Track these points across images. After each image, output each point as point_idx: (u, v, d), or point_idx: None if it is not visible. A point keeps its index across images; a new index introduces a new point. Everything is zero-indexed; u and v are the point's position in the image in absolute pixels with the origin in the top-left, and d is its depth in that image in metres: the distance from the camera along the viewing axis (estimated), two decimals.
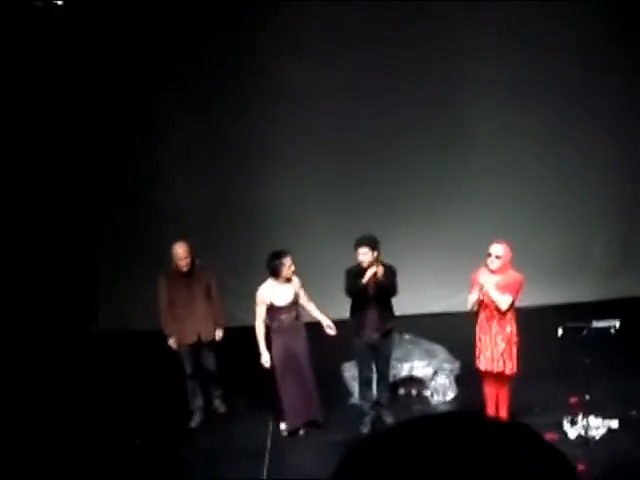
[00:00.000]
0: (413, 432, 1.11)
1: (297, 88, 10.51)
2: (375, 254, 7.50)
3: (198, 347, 8.25)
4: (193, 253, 8.04)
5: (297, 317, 7.87)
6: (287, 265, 7.65)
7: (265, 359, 7.81)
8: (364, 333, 7.76)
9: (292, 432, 8.05)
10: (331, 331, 7.84)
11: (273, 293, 7.75)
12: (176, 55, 10.39)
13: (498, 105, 10.63)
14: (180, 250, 7.97)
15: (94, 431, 8.26)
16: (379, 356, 7.95)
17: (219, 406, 8.66)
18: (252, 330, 7.82)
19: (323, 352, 8.04)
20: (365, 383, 8.11)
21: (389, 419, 8.17)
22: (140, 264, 10.57)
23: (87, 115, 10.56)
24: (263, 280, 7.81)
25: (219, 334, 8.28)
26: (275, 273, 7.67)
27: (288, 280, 7.73)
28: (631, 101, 10.74)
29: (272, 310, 7.77)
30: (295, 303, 7.82)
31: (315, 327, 7.96)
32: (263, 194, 10.84)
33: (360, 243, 7.53)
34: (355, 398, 8.48)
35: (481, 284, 7.29)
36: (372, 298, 7.66)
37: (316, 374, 8.00)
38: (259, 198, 10.85)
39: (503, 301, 7.32)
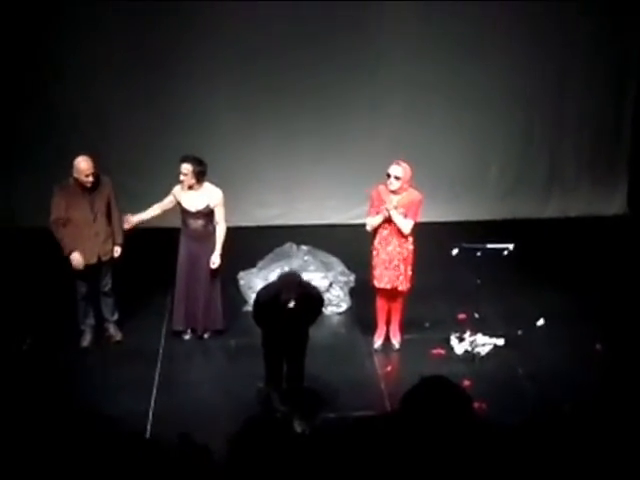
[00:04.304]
0: None
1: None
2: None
3: (95, 267, 7.73)
4: (97, 167, 7.43)
5: (206, 227, 7.76)
6: (179, 171, 7.58)
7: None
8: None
9: (176, 333, 8.11)
10: (213, 265, 7.77)
11: (182, 194, 7.71)
12: None
13: (405, 23, 10.52)
14: (84, 165, 7.32)
15: None
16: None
17: (114, 333, 8.08)
18: (152, 232, 8.02)
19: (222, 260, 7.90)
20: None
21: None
22: (32, 160, 10.30)
23: None
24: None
25: (117, 252, 7.81)
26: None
27: (189, 187, 7.63)
28: (539, 27, 10.75)
29: (181, 212, 7.77)
30: (206, 214, 7.72)
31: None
32: (170, 97, 10.51)
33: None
34: (249, 305, 8.44)
35: (387, 208, 7.32)
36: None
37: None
38: (165, 101, 10.51)
39: (406, 225, 7.41)
